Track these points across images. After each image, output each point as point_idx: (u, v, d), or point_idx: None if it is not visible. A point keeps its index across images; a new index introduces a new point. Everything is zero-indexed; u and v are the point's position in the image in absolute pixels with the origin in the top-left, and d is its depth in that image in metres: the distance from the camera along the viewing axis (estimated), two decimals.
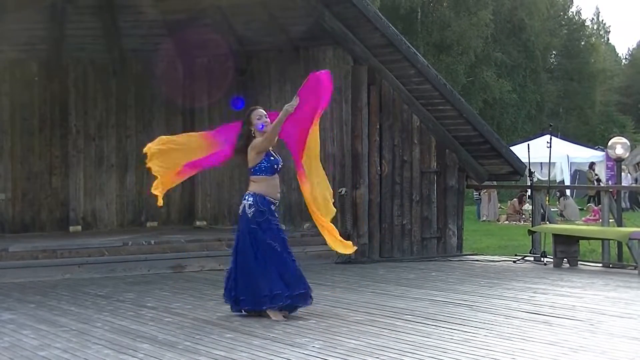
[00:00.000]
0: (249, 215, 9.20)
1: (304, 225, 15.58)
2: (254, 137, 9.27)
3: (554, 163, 32.67)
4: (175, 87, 17.32)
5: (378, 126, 15.18)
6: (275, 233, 9.28)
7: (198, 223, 17.04)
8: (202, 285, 12.05)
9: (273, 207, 9.38)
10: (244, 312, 9.32)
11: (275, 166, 9.35)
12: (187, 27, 16.58)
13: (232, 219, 16.89)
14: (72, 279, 12.58)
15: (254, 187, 9.33)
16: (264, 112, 9.38)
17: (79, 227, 16.34)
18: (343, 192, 15.07)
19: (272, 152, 9.37)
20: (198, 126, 17.24)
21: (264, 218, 9.23)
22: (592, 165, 35.02)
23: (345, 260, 14.56)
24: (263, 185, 9.31)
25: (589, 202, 31.18)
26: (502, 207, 30.63)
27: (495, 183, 18.52)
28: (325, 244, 14.55)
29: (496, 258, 15.54)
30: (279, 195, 9.49)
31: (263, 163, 9.27)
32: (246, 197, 9.33)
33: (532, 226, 15.49)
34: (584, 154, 38.39)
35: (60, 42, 16.25)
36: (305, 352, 7.40)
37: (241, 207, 9.33)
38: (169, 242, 14.08)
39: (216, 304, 10.20)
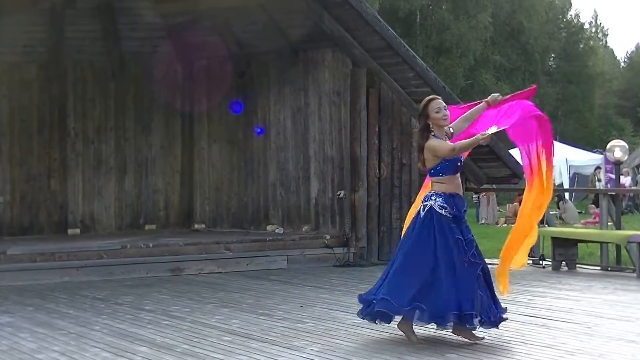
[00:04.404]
0: (443, 214, 8.02)
1: (302, 228, 15.59)
2: (432, 131, 8.12)
3: (553, 166, 32.65)
4: (174, 90, 17.33)
5: (377, 129, 15.18)
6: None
7: (197, 226, 17.03)
8: (200, 288, 12.04)
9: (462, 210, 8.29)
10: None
11: (459, 163, 8.24)
12: (186, 29, 16.58)
13: (231, 221, 16.93)
14: (71, 282, 12.57)
15: (439, 187, 8.15)
16: (443, 103, 8.24)
17: (78, 230, 16.33)
18: (341, 195, 15.08)
19: None
20: (197, 129, 17.29)
21: (461, 218, 8.21)
22: (597, 169, 35.05)
23: (344, 263, 14.57)
24: (448, 186, 8.15)
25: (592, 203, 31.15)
26: (501, 210, 30.63)
27: (494, 186, 18.51)
28: (325, 246, 14.68)
29: (495, 261, 15.46)
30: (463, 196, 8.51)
31: (444, 162, 8.10)
32: (433, 198, 8.11)
33: None
34: (582, 157, 38.43)
35: (59, 44, 16.23)
36: (303, 355, 7.41)
37: (425, 209, 8.12)
38: (167, 245, 14.08)
39: (214, 306, 10.21)
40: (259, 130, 16.41)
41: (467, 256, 7.94)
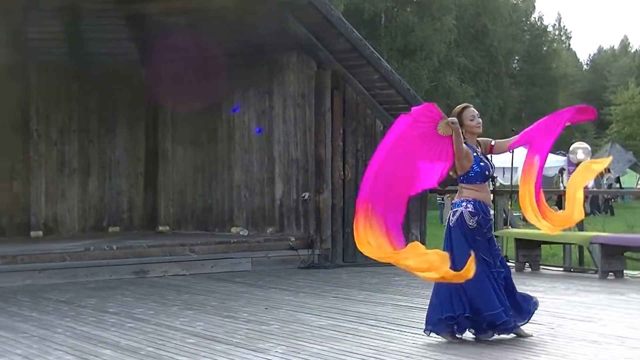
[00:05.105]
0: (470, 225, 8.11)
1: (267, 230, 15.58)
2: (465, 139, 8.16)
3: (517, 168, 32.75)
4: (138, 92, 17.27)
5: (341, 131, 15.20)
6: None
7: (161, 228, 16.96)
8: (164, 290, 12.01)
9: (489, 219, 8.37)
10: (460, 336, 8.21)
11: (487, 172, 8.29)
12: (151, 31, 16.54)
13: (195, 223, 16.89)
14: (33, 285, 12.49)
15: (468, 194, 8.22)
16: (476, 111, 8.33)
17: (40, 233, 16.21)
18: (306, 197, 15.09)
19: (481, 156, 8.30)
20: (161, 131, 17.22)
21: (487, 226, 8.28)
22: (561, 170, 35.29)
23: (309, 265, 14.59)
24: (478, 193, 8.23)
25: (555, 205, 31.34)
26: None
27: (458, 188, 18.57)
28: (289, 248, 14.68)
29: None
30: (491, 205, 8.52)
31: (473, 169, 8.18)
32: (463, 204, 8.19)
33: (495, 231, 15.54)
34: (549, 161, 38.63)
35: (23, 45, 16.14)
36: (268, 358, 7.40)
37: (455, 216, 8.20)
38: (131, 247, 14.02)
39: (179, 309, 10.19)
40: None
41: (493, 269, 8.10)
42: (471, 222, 8.10)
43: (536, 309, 8.33)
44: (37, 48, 16.33)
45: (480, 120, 8.31)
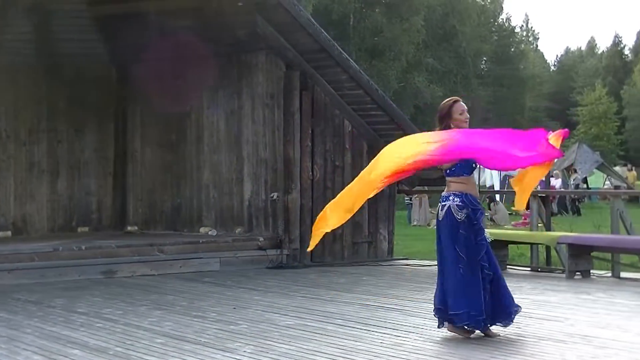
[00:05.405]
0: (459, 218, 8.17)
1: (236, 230, 15.61)
2: None
3: (484, 168, 33.04)
4: (107, 92, 17.26)
5: (310, 131, 15.25)
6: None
7: (130, 228, 16.95)
8: (133, 290, 12.00)
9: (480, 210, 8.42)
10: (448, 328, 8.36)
11: (473, 165, 8.35)
12: (120, 32, 16.53)
13: (164, 223, 16.88)
14: (2, 285, 12.41)
15: (456, 187, 8.25)
16: (465, 106, 8.42)
17: (9, 233, 16.13)
18: (275, 197, 15.11)
19: None
20: (130, 132, 17.21)
21: (476, 216, 8.25)
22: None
23: (277, 265, 14.62)
24: (466, 186, 8.27)
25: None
26: (433, 211, 30.69)
27: (426, 188, 18.68)
28: (258, 248, 14.72)
29: (427, 262, 15.64)
30: (479, 196, 8.64)
31: (462, 162, 8.21)
32: (450, 198, 8.24)
33: None
34: None
35: None
36: (236, 357, 7.42)
37: (444, 210, 8.26)
38: (100, 247, 13.99)
39: (147, 309, 10.19)
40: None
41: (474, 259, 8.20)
42: (459, 215, 8.16)
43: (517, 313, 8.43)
44: (5, 48, 16.24)
45: (468, 115, 8.40)
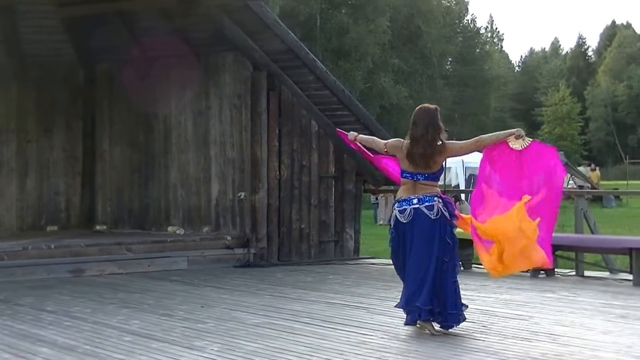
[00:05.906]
0: (447, 216, 8.48)
1: (203, 229, 15.66)
2: (440, 140, 8.48)
3: (449, 168, 33.19)
4: (76, 93, 17.27)
5: (277, 131, 15.31)
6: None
7: (98, 227, 16.93)
8: (101, 289, 12.01)
9: None
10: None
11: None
12: (88, 33, 16.56)
13: (132, 223, 16.91)
14: None
15: (436, 190, 8.51)
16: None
17: None
18: (242, 197, 15.18)
19: None
20: (98, 132, 17.23)
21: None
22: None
23: (244, 263, 14.68)
24: (439, 189, 8.68)
25: None
26: None
27: (392, 187, 18.79)
28: (225, 247, 14.76)
29: (392, 261, 15.73)
30: None
31: (443, 166, 8.70)
32: (435, 199, 8.43)
33: None
34: (478, 159, 38.56)
35: None
36: (204, 355, 7.46)
37: (434, 210, 8.40)
38: (68, 246, 13.99)
39: (115, 307, 10.22)
40: None
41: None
42: (447, 213, 8.46)
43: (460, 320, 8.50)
44: None
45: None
